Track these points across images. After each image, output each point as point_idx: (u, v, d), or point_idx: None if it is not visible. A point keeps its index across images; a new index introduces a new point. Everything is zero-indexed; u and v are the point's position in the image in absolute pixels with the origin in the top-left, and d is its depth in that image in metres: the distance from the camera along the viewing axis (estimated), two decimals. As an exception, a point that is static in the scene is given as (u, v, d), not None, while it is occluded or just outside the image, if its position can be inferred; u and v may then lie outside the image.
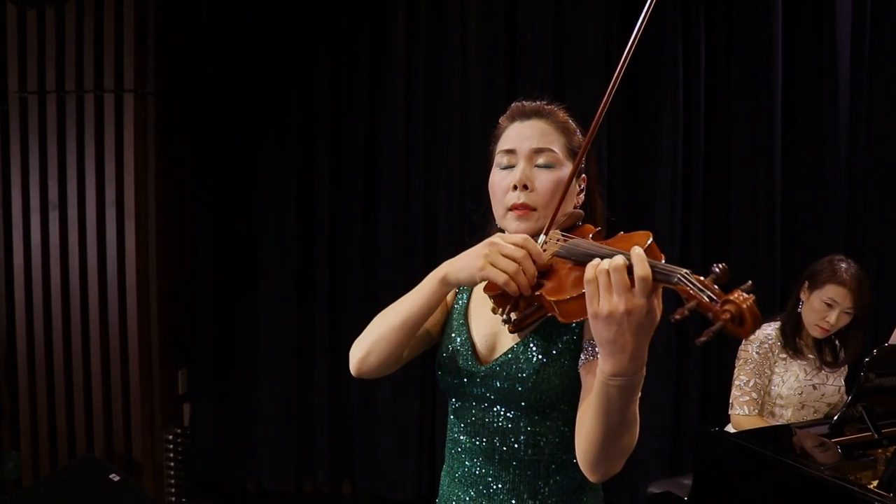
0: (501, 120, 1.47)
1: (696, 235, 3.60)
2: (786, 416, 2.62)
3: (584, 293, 1.03)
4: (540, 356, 1.30)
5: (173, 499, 3.78)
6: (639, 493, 3.49)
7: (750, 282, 0.91)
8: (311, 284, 3.83)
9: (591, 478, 1.16)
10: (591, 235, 1.30)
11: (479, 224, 1.63)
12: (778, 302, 3.35)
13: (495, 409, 1.34)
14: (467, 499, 1.38)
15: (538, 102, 1.45)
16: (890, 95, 3.55)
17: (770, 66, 3.52)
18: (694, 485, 1.97)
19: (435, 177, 3.75)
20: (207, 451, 3.87)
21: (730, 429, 2.61)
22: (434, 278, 1.30)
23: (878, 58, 3.55)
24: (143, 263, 3.54)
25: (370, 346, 1.40)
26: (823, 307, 2.53)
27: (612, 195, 3.56)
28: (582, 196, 1.41)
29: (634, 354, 0.98)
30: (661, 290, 0.98)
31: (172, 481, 3.77)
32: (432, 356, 3.72)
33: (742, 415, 2.57)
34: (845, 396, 2.68)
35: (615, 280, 0.95)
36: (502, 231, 1.49)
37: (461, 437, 1.38)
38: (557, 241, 1.27)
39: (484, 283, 1.35)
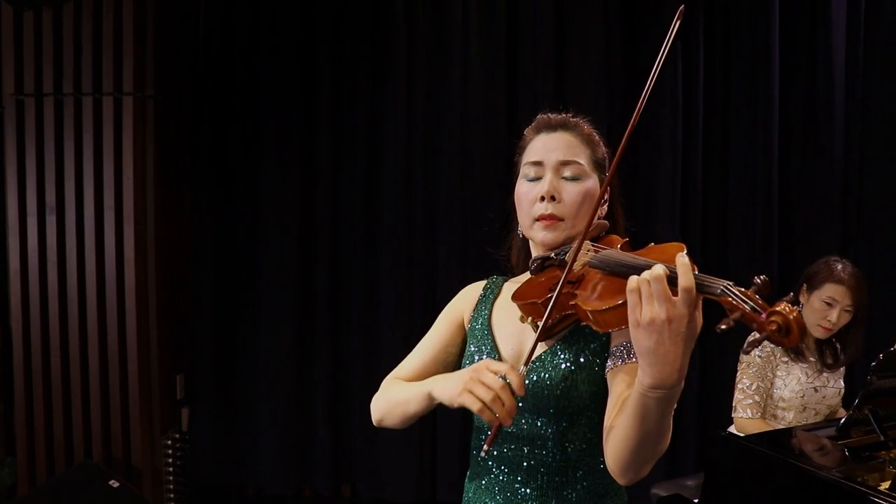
0: (527, 132, 1.50)
1: (694, 236, 3.63)
2: (788, 418, 2.66)
3: (622, 303, 1.05)
4: (568, 363, 1.31)
5: (172, 504, 3.78)
6: (640, 494, 3.51)
7: (791, 293, 0.93)
8: (312, 288, 3.82)
9: (620, 481, 1.18)
10: (619, 246, 1.32)
11: (500, 233, 1.65)
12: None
13: (524, 416, 1.35)
14: (495, 506, 1.39)
15: (564, 115, 1.48)
16: (883, 97, 3.61)
17: (767, 68, 3.57)
18: (705, 488, 2.00)
19: (435, 179, 3.77)
20: (207, 456, 3.85)
21: (732, 431, 2.64)
22: (423, 389, 1.36)
23: (872, 60, 3.61)
24: (141, 268, 3.52)
25: (383, 413, 1.50)
26: (824, 307, 2.58)
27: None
28: (605, 207, 1.44)
29: (675, 366, 0.98)
30: (701, 301, 0.99)
31: (171, 487, 3.75)
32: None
33: (746, 418, 2.60)
34: (843, 397, 2.74)
35: (656, 289, 0.96)
36: (527, 240, 1.51)
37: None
38: (588, 251, 1.29)
39: (511, 293, 1.38)
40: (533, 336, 1.29)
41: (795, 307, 0.89)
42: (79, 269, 3.47)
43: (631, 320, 1.00)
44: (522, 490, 1.35)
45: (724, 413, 2.68)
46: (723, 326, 0.92)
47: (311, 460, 3.87)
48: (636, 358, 1.23)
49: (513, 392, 1.15)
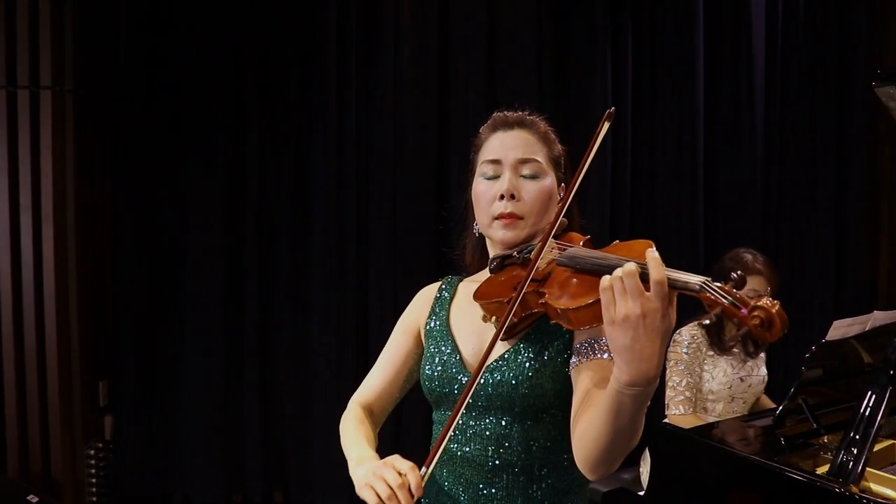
0: (482, 130, 1.50)
1: (624, 237, 3.72)
2: (717, 409, 2.75)
3: (594, 301, 1.06)
4: (532, 362, 1.31)
5: (95, 517, 3.61)
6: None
7: (769, 287, 0.96)
8: (240, 290, 3.73)
9: (591, 477, 1.19)
10: (581, 243, 1.33)
11: (457, 232, 1.64)
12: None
13: (488, 416, 1.34)
14: (459, 506, 1.38)
15: (520, 113, 1.48)
16: (799, 101, 3.80)
17: (692, 75, 3.70)
18: (651, 479, 2.04)
19: (367, 179, 3.73)
20: (131, 465, 3.70)
21: (666, 426, 2.73)
22: (348, 455, 1.39)
23: (789, 65, 3.80)
24: (61, 270, 3.36)
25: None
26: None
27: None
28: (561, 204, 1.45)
29: (652, 362, 0.98)
30: (675, 297, 1.01)
31: (94, 499, 3.59)
32: (365, 359, 3.68)
33: (679, 414, 2.68)
34: (766, 385, 2.86)
35: (629, 285, 0.97)
36: (484, 239, 1.51)
37: (452, 446, 1.38)
38: (552, 248, 1.29)
39: (469, 293, 1.37)
40: (491, 335, 1.28)
41: (776, 301, 0.91)
42: (-7, 272, 3.28)
43: (606, 318, 1.00)
44: (487, 490, 1.34)
45: (663, 410, 2.75)
46: (706, 322, 0.93)
47: (242, 466, 3.77)
48: (601, 354, 1.24)
49: (412, 493, 1.16)
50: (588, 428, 1.13)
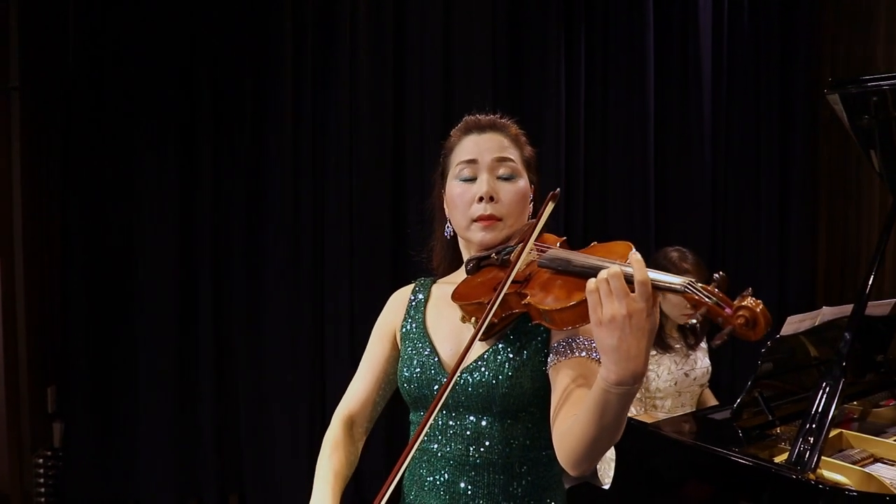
0: (454, 133, 1.51)
1: (577, 238, 3.80)
2: (666, 406, 2.83)
3: (578, 302, 1.09)
4: (512, 361, 1.33)
5: (44, 527, 3.51)
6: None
7: (750, 288, 1.00)
8: (194, 291, 3.65)
9: (573, 473, 1.22)
10: (558, 244, 1.36)
11: (424, 234, 1.66)
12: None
13: (467, 415, 1.36)
14: (440, 506, 1.39)
15: (492, 116, 1.50)
16: (745, 107, 3.96)
17: (643, 81, 3.81)
18: (617, 473, 2.10)
19: (322, 181, 3.71)
20: (82, 473, 3.59)
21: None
22: (315, 490, 1.41)
23: (735, 72, 3.95)
24: (8, 273, 3.25)
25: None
26: (681, 298, 2.75)
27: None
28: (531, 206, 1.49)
29: (638, 361, 1.01)
30: (657, 298, 1.04)
31: (43, 508, 3.49)
32: (321, 362, 3.64)
33: (632, 415, 2.75)
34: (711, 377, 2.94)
35: (615, 286, 1.00)
36: (455, 241, 1.53)
37: (432, 446, 1.39)
38: (531, 250, 1.32)
39: (444, 294, 1.40)
40: (469, 335, 1.28)
41: (759, 301, 0.95)
42: (-66, 276, 3.16)
43: (593, 319, 1.03)
44: (468, 490, 1.36)
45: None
46: (692, 321, 0.97)
47: (197, 472, 3.70)
48: (578, 352, 1.28)
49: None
50: (573, 425, 1.15)
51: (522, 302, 1.22)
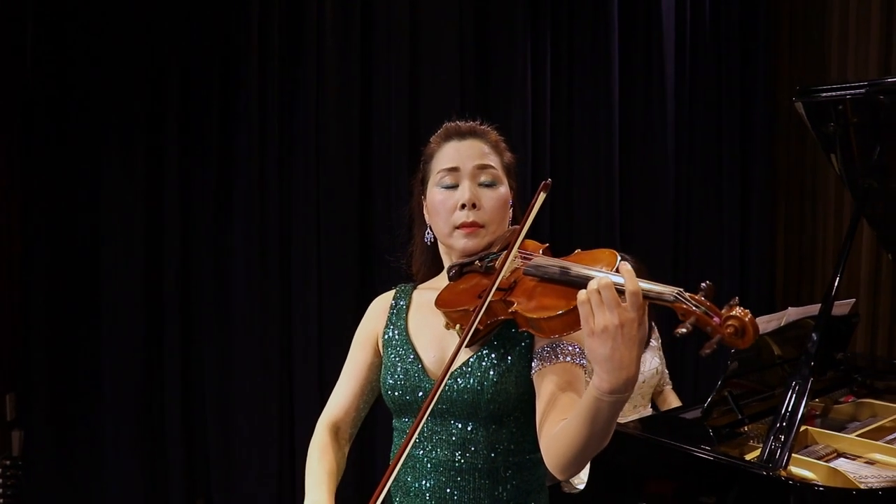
0: (433, 140, 1.51)
1: (544, 232, 3.84)
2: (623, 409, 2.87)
3: (567, 311, 1.10)
4: (496, 367, 1.35)
5: (4, 539, 3.42)
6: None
7: (737, 297, 1.02)
8: (160, 293, 3.59)
9: (560, 477, 1.24)
10: (541, 251, 1.37)
11: (401, 240, 1.66)
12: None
13: (453, 422, 1.37)
14: (426, 512, 1.39)
15: (471, 123, 1.51)
16: (707, 105, 4.05)
17: (608, 77, 3.87)
18: (592, 475, 2.13)
19: (289, 181, 3.68)
20: (43, 481, 3.50)
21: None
22: (306, 494, 1.40)
23: (698, 73, 4.04)
24: (-36, 278, 3.16)
25: None
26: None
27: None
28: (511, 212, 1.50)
29: (631, 370, 1.03)
30: (647, 306, 1.06)
31: (2, 519, 3.41)
32: (289, 366, 3.60)
33: None
34: (662, 373, 2.95)
35: (606, 297, 1.01)
36: (435, 247, 1.53)
37: (417, 452, 1.40)
38: (516, 257, 1.32)
39: (425, 301, 1.41)
40: (456, 342, 1.28)
41: (747, 310, 0.98)
42: None
43: (585, 330, 1.04)
44: (454, 495, 1.37)
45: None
46: (682, 330, 0.99)
47: (162, 476, 3.64)
48: (563, 358, 1.30)
49: None
50: (562, 431, 1.17)
51: (510, 310, 1.23)
